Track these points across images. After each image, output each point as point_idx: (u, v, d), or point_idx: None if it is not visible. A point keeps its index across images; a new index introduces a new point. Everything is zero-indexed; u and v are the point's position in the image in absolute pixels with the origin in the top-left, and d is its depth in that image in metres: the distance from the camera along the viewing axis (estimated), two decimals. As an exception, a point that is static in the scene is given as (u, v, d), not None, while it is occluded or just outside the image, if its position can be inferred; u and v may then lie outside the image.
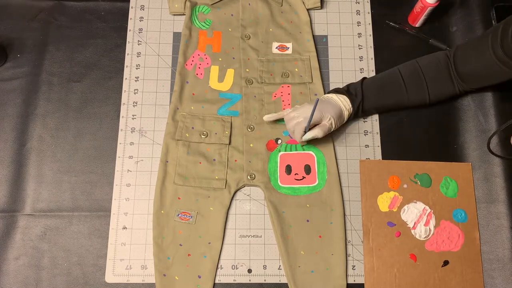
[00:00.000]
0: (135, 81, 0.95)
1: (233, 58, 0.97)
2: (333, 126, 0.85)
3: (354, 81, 0.94)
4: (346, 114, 0.86)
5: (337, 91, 0.88)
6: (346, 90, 0.87)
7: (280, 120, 0.92)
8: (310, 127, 0.84)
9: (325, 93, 0.94)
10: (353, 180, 0.90)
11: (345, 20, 1.01)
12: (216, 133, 0.90)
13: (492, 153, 0.87)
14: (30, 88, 0.94)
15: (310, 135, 0.83)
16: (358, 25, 1.01)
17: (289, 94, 0.94)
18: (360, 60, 0.98)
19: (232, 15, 1.00)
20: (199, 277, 0.83)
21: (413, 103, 0.89)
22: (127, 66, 0.96)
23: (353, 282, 0.84)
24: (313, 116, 0.82)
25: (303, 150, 0.90)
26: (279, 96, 0.94)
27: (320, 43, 0.99)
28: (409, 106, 0.90)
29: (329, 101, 0.85)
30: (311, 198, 0.88)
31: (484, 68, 0.81)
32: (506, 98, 0.93)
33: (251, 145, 0.90)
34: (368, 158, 0.91)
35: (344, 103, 0.86)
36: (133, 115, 0.93)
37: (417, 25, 1.00)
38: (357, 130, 0.93)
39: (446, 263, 0.85)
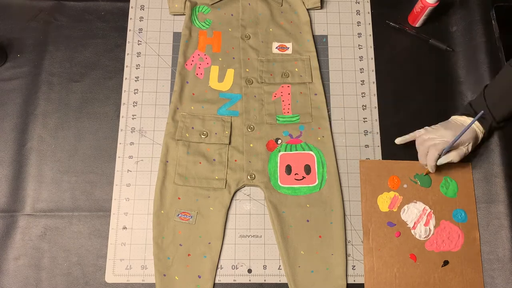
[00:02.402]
0: (135, 81, 0.95)
1: (233, 58, 0.97)
2: (469, 151, 0.82)
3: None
4: (480, 136, 0.84)
5: (464, 114, 0.84)
6: (474, 114, 0.83)
7: (280, 120, 0.92)
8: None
9: (323, 89, 0.95)
10: (353, 180, 0.90)
11: (345, 20, 1.01)
12: (216, 133, 0.90)
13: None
14: (30, 88, 0.94)
15: (446, 159, 0.79)
16: (358, 25, 1.01)
17: (289, 94, 0.94)
18: (360, 60, 0.98)
19: (232, 15, 1.00)
20: (199, 277, 0.83)
21: None
22: (127, 66, 0.96)
23: (353, 282, 0.84)
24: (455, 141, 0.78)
25: (304, 150, 0.90)
26: (279, 96, 0.94)
27: (320, 43, 0.99)
28: None
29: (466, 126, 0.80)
30: (311, 198, 0.88)
31: None
32: (506, 98, 0.93)
33: (251, 145, 0.90)
34: (368, 158, 0.91)
35: (479, 127, 0.83)
36: (133, 115, 0.93)
37: (417, 25, 1.00)
38: (357, 130, 0.93)
39: (446, 263, 0.85)
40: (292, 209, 0.87)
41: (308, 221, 0.86)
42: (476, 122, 0.83)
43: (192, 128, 0.91)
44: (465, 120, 0.84)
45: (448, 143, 0.79)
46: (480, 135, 0.84)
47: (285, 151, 0.90)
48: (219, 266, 0.85)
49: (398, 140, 0.85)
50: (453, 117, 0.86)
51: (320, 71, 0.96)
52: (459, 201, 0.88)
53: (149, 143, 0.91)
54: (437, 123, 0.93)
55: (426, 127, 0.84)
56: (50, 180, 0.89)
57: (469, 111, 0.85)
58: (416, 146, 0.84)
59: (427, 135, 0.82)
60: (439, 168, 0.89)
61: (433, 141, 0.80)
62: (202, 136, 0.90)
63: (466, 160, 0.91)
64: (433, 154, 0.80)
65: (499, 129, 0.89)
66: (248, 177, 0.88)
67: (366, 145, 0.92)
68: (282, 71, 0.96)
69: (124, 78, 0.96)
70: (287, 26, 0.99)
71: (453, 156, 0.80)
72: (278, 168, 0.89)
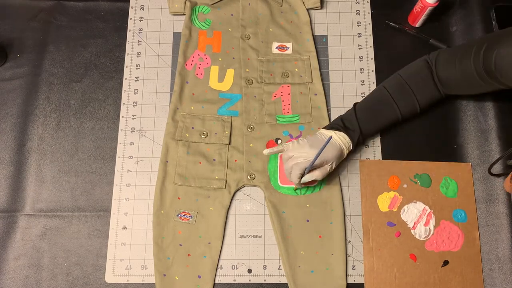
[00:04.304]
0: (135, 81, 0.95)
1: (233, 58, 0.97)
2: (333, 169, 0.82)
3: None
4: (345, 153, 0.84)
5: (333, 127, 0.84)
6: (343, 127, 0.83)
7: (280, 120, 0.92)
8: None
9: (323, 89, 0.95)
10: (353, 180, 0.90)
11: (345, 20, 1.01)
12: (216, 133, 0.90)
13: (493, 174, 0.88)
14: (30, 88, 0.94)
15: (309, 178, 0.79)
16: (358, 25, 1.01)
17: (289, 94, 0.94)
18: (360, 60, 0.98)
19: (232, 15, 1.00)
20: (199, 277, 0.83)
21: (405, 117, 0.87)
22: (127, 66, 0.96)
23: (353, 282, 0.84)
24: (316, 160, 0.78)
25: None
26: (279, 96, 0.94)
27: (320, 43, 0.99)
28: (402, 120, 0.88)
29: (331, 143, 0.81)
30: (311, 198, 0.88)
31: (463, 77, 0.80)
32: (506, 98, 0.93)
33: (251, 145, 0.90)
34: (368, 158, 0.91)
35: (344, 142, 0.83)
36: (133, 115, 0.93)
37: (417, 25, 1.00)
38: (357, 130, 0.93)
39: (446, 263, 0.85)
40: (292, 209, 0.87)
41: (308, 221, 0.86)
42: (344, 138, 0.82)
43: (192, 128, 0.91)
44: (332, 135, 0.82)
45: (310, 162, 0.78)
46: (346, 151, 0.84)
47: (285, 151, 0.90)
48: (219, 266, 0.85)
49: (266, 152, 0.82)
50: (321, 131, 0.84)
51: (320, 71, 0.96)
52: (459, 201, 0.88)
53: (149, 143, 0.91)
54: (436, 122, 0.93)
55: (294, 140, 0.82)
56: (50, 180, 0.89)
57: (339, 125, 0.84)
58: (283, 160, 0.83)
59: (293, 151, 0.80)
60: (437, 168, 0.89)
61: (296, 160, 0.80)
62: (202, 136, 0.90)
63: (466, 160, 0.91)
64: (295, 174, 0.80)
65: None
66: (248, 177, 0.88)
67: (366, 145, 0.92)
68: (282, 71, 0.96)
69: (124, 78, 0.96)
70: (287, 26, 0.99)
71: (316, 175, 0.80)
72: (278, 168, 0.89)
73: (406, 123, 0.92)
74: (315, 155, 0.77)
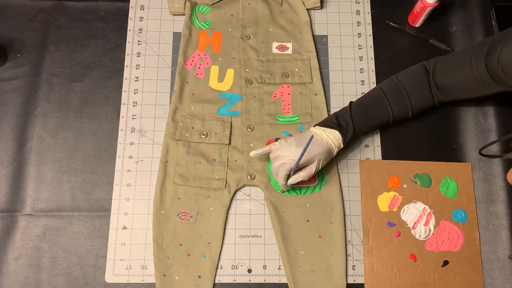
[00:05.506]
0: (135, 81, 0.95)
1: (233, 58, 0.97)
2: (320, 168, 0.81)
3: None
4: (335, 151, 0.83)
5: (326, 124, 0.83)
6: (337, 124, 0.83)
7: (280, 120, 0.92)
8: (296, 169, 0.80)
9: (323, 89, 0.95)
10: (353, 180, 0.90)
11: (345, 20, 1.01)
12: (216, 133, 0.90)
13: (483, 155, 0.88)
14: (30, 88, 0.94)
15: (295, 179, 0.80)
16: (358, 25, 1.01)
17: (289, 94, 0.94)
18: (360, 60, 0.98)
19: (232, 15, 1.00)
20: (199, 277, 0.83)
21: (396, 120, 0.88)
22: (127, 66, 0.96)
23: (353, 282, 0.84)
24: (301, 159, 0.78)
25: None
26: (279, 96, 0.94)
27: (320, 43, 0.99)
28: (393, 123, 0.88)
29: (318, 142, 0.81)
30: (311, 198, 0.88)
31: (463, 81, 0.80)
32: (506, 98, 0.92)
33: (251, 145, 0.90)
34: (368, 158, 0.91)
35: (333, 141, 0.82)
36: (133, 115, 0.93)
37: (417, 25, 1.00)
38: (357, 130, 0.93)
39: (446, 263, 0.85)
40: (292, 209, 0.87)
41: (308, 221, 0.86)
42: (333, 136, 0.82)
43: (192, 128, 0.91)
44: (321, 134, 0.82)
45: (295, 162, 0.78)
46: (335, 149, 0.83)
47: (285, 151, 0.90)
48: (219, 266, 0.85)
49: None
50: (311, 129, 0.84)
51: (320, 71, 0.96)
52: (459, 201, 0.88)
53: (149, 143, 0.91)
54: (436, 122, 0.93)
55: (281, 140, 0.82)
56: (50, 180, 0.89)
57: (332, 122, 0.83)
58: (271, 161, 0.83)
59: (280, 151, 0.80)
60: (437, 168, 0.89)
61: (282, 160, 0.80)
62: (202, 136, 0.90)
63: (466, 160, 0.91)
64: (281, 175, 0.80)
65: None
66: (248, 177, 0.88)
67: (366, 145, 0.92)
68: (282, 71, 0.96)
69: (124, 78, 0.96)
70: (287, 26, 0.99)
71: (302, 176, 0.80)
72: (278, 168, 0.89)
73: (407, 122, 0.92)
74: (297, 159, 0.77)
